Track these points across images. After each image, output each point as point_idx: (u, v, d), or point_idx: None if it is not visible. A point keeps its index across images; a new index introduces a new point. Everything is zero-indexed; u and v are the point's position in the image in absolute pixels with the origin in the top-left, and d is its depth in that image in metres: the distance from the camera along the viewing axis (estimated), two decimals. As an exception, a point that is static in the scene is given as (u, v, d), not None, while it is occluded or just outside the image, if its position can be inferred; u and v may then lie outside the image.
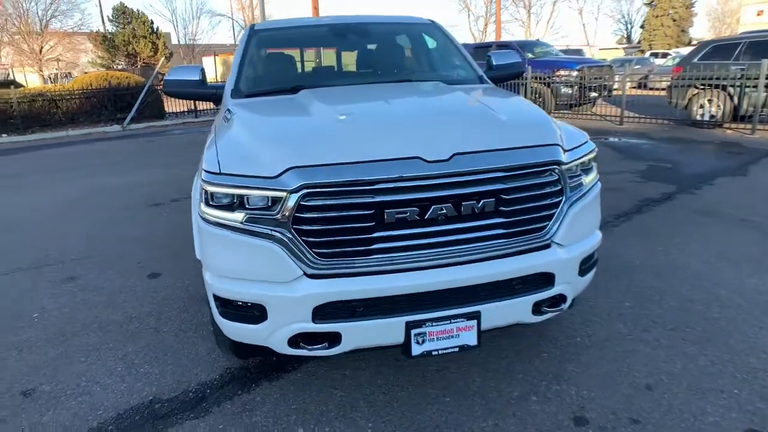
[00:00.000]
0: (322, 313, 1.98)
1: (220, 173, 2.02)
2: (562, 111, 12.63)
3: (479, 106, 2.48)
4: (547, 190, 2.10)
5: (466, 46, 15.28)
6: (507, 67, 3.61)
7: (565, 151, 2.16)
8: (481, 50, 14.32)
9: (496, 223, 2.04)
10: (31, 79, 35.58)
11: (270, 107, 2.77)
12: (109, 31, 37.72)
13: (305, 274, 1.96)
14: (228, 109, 2.76)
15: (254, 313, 2.03)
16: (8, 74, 36.94)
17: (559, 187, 2.12)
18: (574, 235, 2.22)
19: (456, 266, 2.03)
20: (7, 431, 2.27)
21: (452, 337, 2.07)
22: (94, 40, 36.66)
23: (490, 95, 2.90)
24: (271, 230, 1.94)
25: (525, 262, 2.10)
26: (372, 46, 3.64)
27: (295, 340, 2.04)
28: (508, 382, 2.45)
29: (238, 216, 1.98)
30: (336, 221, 1.93)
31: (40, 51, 32.97)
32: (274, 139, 2.17)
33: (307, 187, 1.89)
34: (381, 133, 2.16)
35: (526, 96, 12.70)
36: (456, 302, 2.06)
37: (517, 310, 2.15)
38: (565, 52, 24.59)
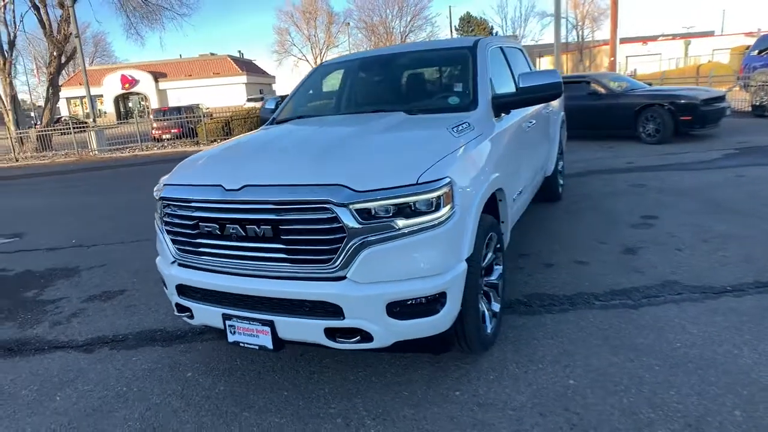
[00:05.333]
0: (182, 291, 2.72)
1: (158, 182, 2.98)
2: None
3: (336, 142, 2.67)
4: (324, 226, 2.23)
5: None
6: (534, 90, 3.21)
7: (358, 192, 2.20)
8: None
9: (277, 248, 2.34)
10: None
11: (250, 134, 3.51)
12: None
13: (176, 260, 2.73)
14: None
15: (163, 281, 2.92)
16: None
17: (340, 225, 2.20)
18: (376, 274, 2.26)
19: (252, 278, 2.43)
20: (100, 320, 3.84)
21: (254, 336, 2.49)
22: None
23: (391, 130, 2.97)
24: (162, 226, 2.78)
25: (307, 288, 2.32)
26: (395, 76, 3.82)
27: (176, 307, 2.84)
28: (325, 402, 2.60)
29: (157, 214, 2.90)
30: (177, 226, 2.63)
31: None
32: (187, 161, 2.97)
33: (163, 199, 2.66)
34: (224, 164, 2.70)
35: None
36: (254, 307, 2.46)
37: (309, 330, 2.37)
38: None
